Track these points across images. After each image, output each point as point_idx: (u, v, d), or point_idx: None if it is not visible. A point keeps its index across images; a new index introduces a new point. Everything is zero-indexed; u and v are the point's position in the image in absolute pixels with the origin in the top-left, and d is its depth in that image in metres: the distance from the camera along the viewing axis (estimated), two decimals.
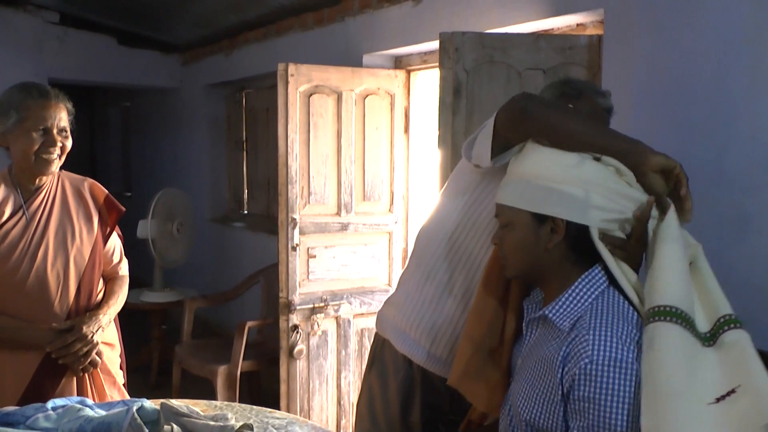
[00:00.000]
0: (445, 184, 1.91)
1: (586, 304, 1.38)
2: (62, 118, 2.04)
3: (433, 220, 1.89)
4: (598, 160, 1.41)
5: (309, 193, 3.37)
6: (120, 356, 2.28)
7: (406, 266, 1.98)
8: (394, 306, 1.92)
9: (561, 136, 1.45)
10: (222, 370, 3.61)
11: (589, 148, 1.42)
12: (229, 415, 1.54)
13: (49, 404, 1.66)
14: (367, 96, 3.51)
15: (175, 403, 1.54)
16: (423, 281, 1.85)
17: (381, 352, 1.94)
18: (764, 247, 2.06)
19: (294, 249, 3.32)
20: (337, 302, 3.46)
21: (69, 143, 2.07)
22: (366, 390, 1.96)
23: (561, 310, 1.39)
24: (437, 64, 2.64)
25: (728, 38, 2.13)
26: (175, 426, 1.49)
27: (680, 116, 2.27)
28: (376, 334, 1.98)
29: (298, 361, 3.37)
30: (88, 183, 2.22)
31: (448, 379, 1.66)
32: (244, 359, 3.66)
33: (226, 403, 1.80)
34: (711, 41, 2.17)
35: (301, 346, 3.36)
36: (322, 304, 3.41)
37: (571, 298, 1.39)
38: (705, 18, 2.19)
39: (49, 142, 2.01)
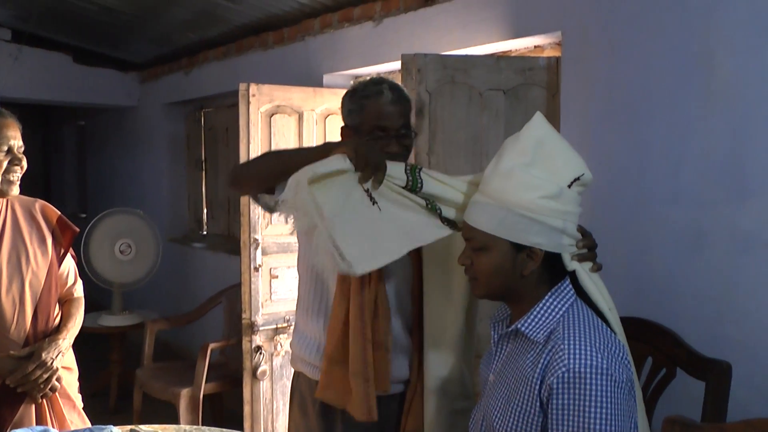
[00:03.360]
0: None
1: (558, 316, 1.41)
2: (19, 136, 2.03)
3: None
4: (569, 186, 1.44)
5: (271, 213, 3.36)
6: (78, 380, 2.24)
7: None
8: (294, 336, 2.03)
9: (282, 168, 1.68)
10: (185, 392, 3.56)
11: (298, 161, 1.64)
12: None
13: None
14: (328, 116, 3.53)
15: (144, 429, 1.52)
16: (299, 310, 1.98)
17: (297, 384, 1.98)
18: (718, 260, 2.14)
19: (257, 269, 3.30)
20: None
21: (25, 164, 2.05)
22: (292, 424, 2.01)
23: (534, 323, 1.42)
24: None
25: (681, 61, 2.21)
26: None
27: (637, 135, 2.34)
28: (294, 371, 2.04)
29: (261, 381, 3.34)
30: (39, 204, 2.17)
31: (315, 392, 1.81)
32: (206, 381, 3.60)
33: (195, 427, 1.78)
34: (665, 64, 2.26)
35: (264, 367, 3.33)
36: (285, 325, 3.39)
37: (543, 312, 1.42)
38: (659, 42, 2.27)
39: (14, 161, 2.00)
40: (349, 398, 1.77)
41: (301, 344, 1.94)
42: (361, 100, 1.85)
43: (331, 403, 1.81)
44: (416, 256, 1.81)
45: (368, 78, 1.93)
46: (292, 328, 3.36)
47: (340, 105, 1.96)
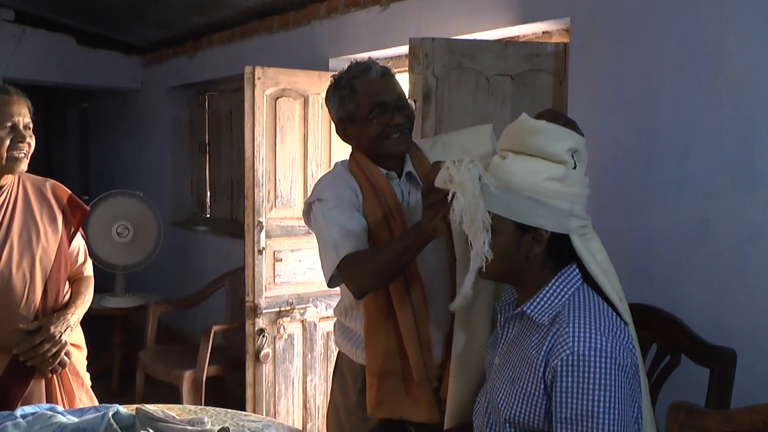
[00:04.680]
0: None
1: (564, 299, 1.42)
2: (26, 114, 2.03)
3: None
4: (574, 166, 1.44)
5: (275, 197, 3.36)
6: (86, 358, 2.27)
7: None
8: (337, 327, 2.00)
9: (389, 269, 1.62)
10: (188, 375, 3.58)
11: (405, 250, 1.58)
12: (205, 419, 1.53)
13: (18, 412, 1.64)
14: None
15: (151, 408, 1.53)
16: (338, 309, 1.97)
17: (340, 364, 1.97)
18: (724, 249, 2.14)
19: (260, 252, 3.31)
20: (303, 305, 3.45)
21: (33, 142, 2.06)
22: (332, 401, 2.00)
23: (539, 306, 1.43)
24: (404, 69, 2.66)
25: (690, 49, 2.21)
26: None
27: (644, 123, 2.33)
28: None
29: (264, 365, 3.35)
30: (49, 183, 2.19)
31: (367, 411, 1.78)
32: (209, 364, 3.62)
33: (200, 407, 1.79)
34: (674, 52, 2.25)
35: (267, 350, 3.34)
36: (288, 308, 3.40)
37: (548, 295, 1.43)
38: (668, 30, 2.26)
39: (18, 138, 1.99)
40: (408, 407, 1.75)
41: (343, 337, 1.94)
42: (351, 82, 1.81)
43: (389, 416, 1.78)
44: (450, 243, 1.79)
45: (346, 66, 1.89)
46: (295, 311, 3.41)
47: (326, 104, 1.92)
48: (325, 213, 1.76)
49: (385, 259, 1.62)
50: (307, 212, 1.86)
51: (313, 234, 1.86)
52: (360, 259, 1.66)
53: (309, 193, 3.38)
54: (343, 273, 1.69)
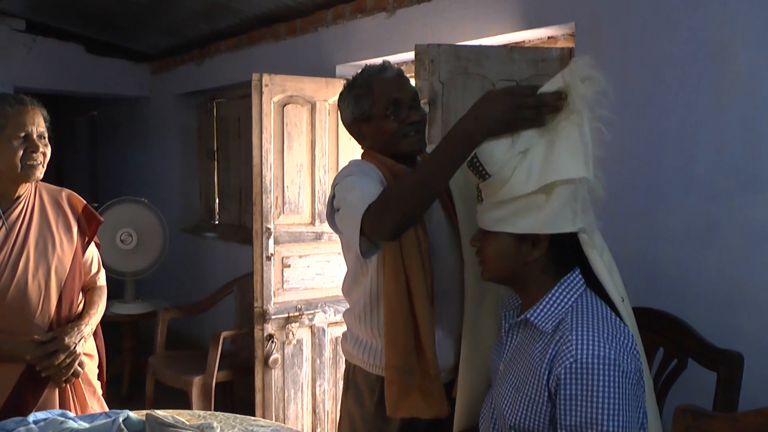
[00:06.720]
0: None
1: (567, 306, 1.42)
2: (40, 123, 2.04)
3: None
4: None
5: (283, 203, 3.38)
6: (98, 367, 2.28)
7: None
8: (348, 337, 1.97)
9: (427, 181, 1.49)
10: (197, 380, 3.59)
11: (447, 161, 1.46)
12: (215, 424, 1.55)
13: (30, 418, 1.66)
14: None
15: (161, 413, 1.55)
16: (350, 314, 1.95)
17: (354, 377, 1.96)
18: (730, 251, 2.14)
19: (269, 258, 3.33)
20: (312, 311, 3.47)
21: (49, 150, 2.07)
22: (345, 414, 1.98)
23: (543, 314, 1.43)
24: (410, 74, 2.67)
25: (694, 53, 2.21)
26: None
27: (650, 127, 2.34)
28: (347, 361, 2.01)
29: (273, 370, 3.37)
30: (65, 193, 2.21)
31: (386, 411, 1.76)
32: (218, 369, 3.64)
33: (209, 412, 1.80)
34: (678, 55, 2.25)
35: (276, 355, 3.36)
36: (296, 313, 3.42)
37: (552, 302, 1.43)
38: (672, 33, 2.27)
39: (31, 147, 2.00)
40: (421, 404, 1.74)
41: (357, 347, 1.92)
42: (368, 81, 1.83)
43: (406, 416, 1.76)
44: (460, 243, 1.78)
45: (360, 70, 1.90)
46: (303, 316, 3.42)
47: (338, 106, 1.93)
48: (353, 181, 1.68)
49: (418, 178, 1.51)
50: (330, 202, 1.79)
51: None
52: (384, 195, 1.55)
53: (316, 197, 3.42)
54: (369, 222, 1.55)
